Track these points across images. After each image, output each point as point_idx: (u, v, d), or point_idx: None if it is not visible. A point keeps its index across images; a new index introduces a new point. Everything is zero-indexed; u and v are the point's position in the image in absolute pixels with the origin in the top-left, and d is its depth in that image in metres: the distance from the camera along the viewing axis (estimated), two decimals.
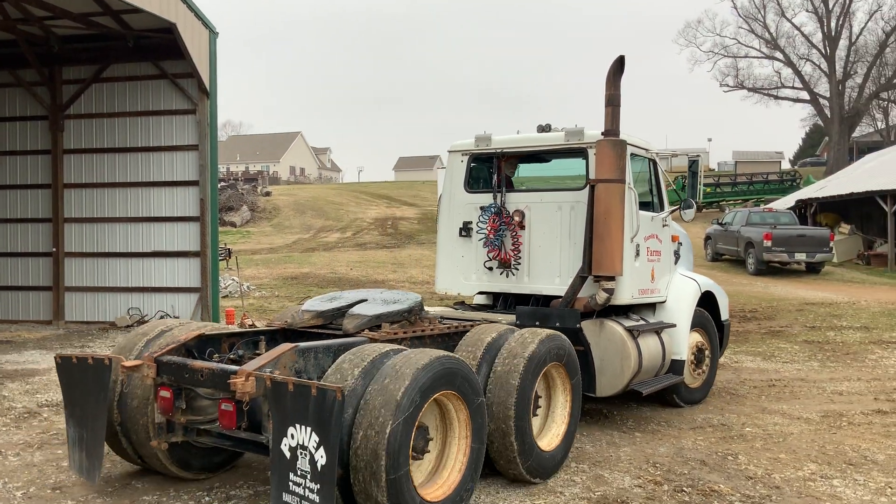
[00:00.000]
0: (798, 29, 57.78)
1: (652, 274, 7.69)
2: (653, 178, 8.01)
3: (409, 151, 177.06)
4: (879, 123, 65.85)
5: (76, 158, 14.67)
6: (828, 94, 56.98)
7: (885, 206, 26.91)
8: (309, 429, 4.06)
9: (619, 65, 7.03)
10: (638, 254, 7.36)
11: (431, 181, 77.62)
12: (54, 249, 14.60)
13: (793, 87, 59.18)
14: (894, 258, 26.93)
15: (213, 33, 13.61)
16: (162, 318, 13.88)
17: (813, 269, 24.23)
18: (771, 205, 33.67)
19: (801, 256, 23.45)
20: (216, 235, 14.23)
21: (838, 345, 12.11)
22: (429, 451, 4.78)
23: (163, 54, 13.84)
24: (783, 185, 42.59)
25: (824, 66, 57.04)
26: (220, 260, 15.93)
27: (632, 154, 7.31)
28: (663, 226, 8.00)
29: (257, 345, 5.66)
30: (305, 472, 4.07)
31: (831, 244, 24.47)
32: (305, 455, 4.07)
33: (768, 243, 23.01)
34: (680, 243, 8.59)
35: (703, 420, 7.57)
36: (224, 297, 17.06)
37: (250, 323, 13.18)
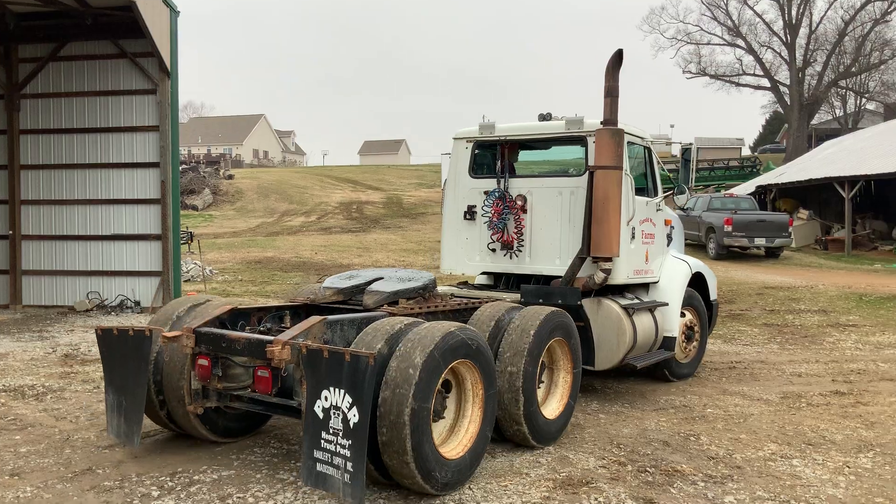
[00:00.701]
0: (760, 17, 58.48)
1: (646, 256, 8.09)
2: (648, 165, 8.35)
3: (375, 135, 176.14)
4: (838, 111, 67.08)
5: (33, 139, 14.32)
6: (788, 82, 57.83)
7: (842, 192, 27.44)
8: (342, 391, 4.47)
9: (617, 58, 7.36)
10: (633, 236, 7.73)
11: (397, 165, 77.33)
12: (10, 232, 14.26)
13: (754, 75, 59.95)
14: (851, 243, 27.51)
15: (173, 11, 13.33)
16: (122, 302, 13.66)
17: (772, 254, 24.65)
18: (732, 190, 34.14)
19: (760, 241, 23.83)
20: (178, 218, 14.02)
21: (797, 328, 12.35)
22: (445, 417, 5.24)
23: (122, 33, 13.54)
24: (743, 172, 43.17)
25: (785, 53, 57.84)
26: (182, 244, 15.70)
27: (628, 142, 7.57)
28: (657, 210, 8.37)
29: (282, 319, 6.19)
30: (337, 430, 4.48)
31: (790, 229, 24.90)
32: (338, 415, 4.49)
33: (729, 228, 23.35)
34: (672, 227, 8.98)
35: (665, 402, 7.67)
36: (186, 281, 16.84)
37: None
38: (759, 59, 58.65)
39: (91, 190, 14.09)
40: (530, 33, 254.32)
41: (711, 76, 60.37)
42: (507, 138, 8.09)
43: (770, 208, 31.48)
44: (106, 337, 5.73)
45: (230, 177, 49.54)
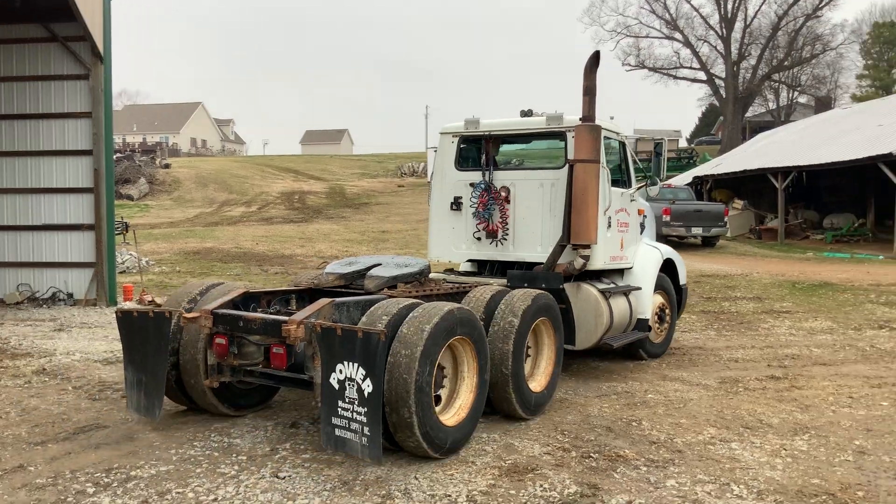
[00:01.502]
0: (697, 10, 59.66)
1: (621, 243, 8.64)
2: (622, 158, 8.88)
3: (317, 125, 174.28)
4: (771, 104, 68.95)
5: None
6: (723, 75, 59.13)
7: (775, 183, 28.22)
8: (356, 364, 4.93)
9: (594, 60, 7.88)
10: (610, 225, 8.25)
11: (339, 155, 76.65)
12: None
13: (691, 68, 61.15)
14: (784, 232, 28.33)
15: None
16: (54, 295, 13.21)
17: (709, 243, 25.23)
18: (669, 181, 34.80)
19: (697, 231, 24.37)
20: (112, 208, 13.59)
21: (733, 315, 12.65)
22: (444, 386, 5.75)
23: (53, 16, 13.02)
24: (681, 163, 44.06)
25: (721, 47, 59.13)
26: (117, 234, 15.27)
27: (605, 137, 8.03)
28: (631, 200, 8.92)
29: (289, 302, 6.77)
30: (353, 399, 4.96)
31: (726, 219, 25.51)
32: (353, 385, 4.96)
33: (667, 218, 23.79)
34: (645, 216, 9.54)
35: (608, 388, 7.76)
36: (121, 272, 16.39)
37: (149, 299, 12.81)
38: (695, 53, 59.87)
39: (20, 178, 13.55)
40: (472, 24, 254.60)
41: (650, 69, 61.37)
42: (491, 133, 8.49)
43: (706, 198, 32.20)
44: (125, 318, 6.09)
45: (167, 166, 48.43)
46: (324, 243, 24.56)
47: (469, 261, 8.81)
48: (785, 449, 5.91)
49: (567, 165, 7.81)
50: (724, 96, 59.14)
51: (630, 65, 61.53)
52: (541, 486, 5.04)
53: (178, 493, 4.85)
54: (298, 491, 4.88)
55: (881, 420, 6.71)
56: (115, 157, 44.29)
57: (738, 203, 32.26)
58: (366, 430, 4.91)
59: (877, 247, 25.16)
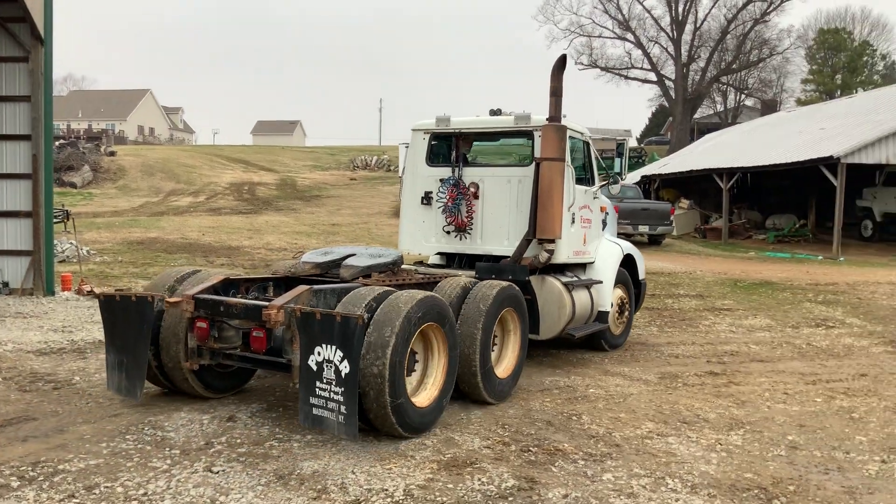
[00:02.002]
0: (648, 12, 60.41)
1: (584, 238, 8.99)
2: (586, 157, 9.18)
3: (269, 115, 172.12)
4: (719, 106, 70.27)
5: None
6: (673, 77, 60.05)
7: (720, 183, 28.77)
8: (334, 347, 5.22)
9: (561, 62, 8.26)
10: (573, 221, 8.59)
11: (291, 146, 75.73)
12: None
13: (642, 68, 61.92)
14: (728, 232, 28.91)
15: None
16: None
17: (655, 241, 25.61)
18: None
19: (644, 229, 24.72)
20: (51, 195, 13.18)
21: (675, 311, 12.85)
22: (416, 370, 6.04)
23: None
24: (630, 162, 44.57)
25: (671, 49, 60.02)
26: (57, 222, 14.81)
27: (570, 137, 8.34)
28: (594, 198, 9.28)
29: (266, 289, 7.02)
30: (330, 379, 5.25)
31: (672, 218, 25.93)
32: (331, 367, 5.25)
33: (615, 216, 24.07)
34: (607, 213, 9.96)
35: (550, 382, 7.81)
36: (61, 261, 15.94)
37: (89, 289, 12.48)
38: (646, 54, 60.65)
39: None
40: (428, 19, 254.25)
41: (602, 68, 61.95)
42: (461, 131, 8.79)
43: (654, 197, 32.69)
44: (107, 302, 6.31)
45: (112, 153, 47.28)
46: (273, 235, 24.25)
47: (438, 254, 9.10)
48: (720, 443, 6.01)
49: (534, 163, 8.14)
50: (673, 97, 60.06)
51: (583, 64, 62.04)
52: (479, 479, 5.04)
53: (107, 487, 4.72)
54: (232, 485, 4.79)
55: (814, 416, 6.87)
56: (58, 143, 43.25)
57: (685, 202, 32.81)
58: (342, 409, 5.20)
59: (817, 247, 25.85)
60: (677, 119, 58.99)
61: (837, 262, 21.80)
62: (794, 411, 7.00)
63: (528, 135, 8.51)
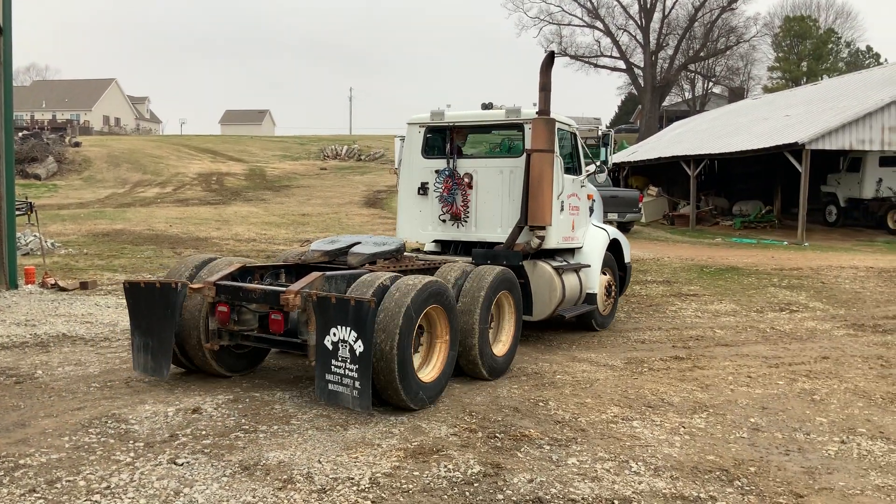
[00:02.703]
0: (617, 0, 60.66)
1: (572, 225, 9.46)
2: (573, 148, 9.63)
3: (237, 105, 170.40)
4: (687, 94, 70.85)
5: None
6: (642, 65, 60.41)
7: (688, 170, 29.03)
8: (349, 328, 5.66)
9: (549, 59, 8.72)
10: (562, 209, 9.05)
11: (260, 136, 75.05)
12: None
13: (611, 57, 62.25)
14: (696, 218, 29.21)
15: None
16: None
17: (623, 228, 25.72)
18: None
19: (613, 216, 24.82)
20: (12, 187, 12.95)
21: (643, 297, 12.97)
22: (421, 349, 6.51)
23: None
24: (599, 150, 44.78)
25: (640, 37, 60.37)
26: (20, 215, 14.55)
27: (558, 129, 8.74)
28: (581, 186, 9.75)
29: (279, 276, 7.49)
30: (345, 358, 5.70)
31: (640, 205, 26.12)
32: (346, 346, 5.69)
33: None
34: (593, 200, 10.42)
35: (518, 369, 7.85)
36: (25, 254, 15.71)
37: (52, 282, 12.30)
38: (615, 42, 60.97)
39: None
40: (397, 7, 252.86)
41: (572, 56, 62.15)
42: (455, 124, 9.23)
43: (623, 185, 32.93)
44: (133, 289, 6.73)
45: (77, 144, 46.56)
46: (241, 226, 24.06)
47: (434, 241, 9.54)
48: (684, 427, 6.09)
49: (525, 154, 8.57)
50: (642, 85, 60.45)
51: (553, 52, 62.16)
52: (445, 466, 5.06)
53: (69, 481, 4.67)
54: (196, 477, 4.76)
55: (776, 398, 6.99)
56: (21, 134, 42.41)
57: (653, 190, 33.07)
58: (357, 384, 5.66)
59: (782, 233, 26.21)
60: (646, 107, 59.40)
61: (802, 247, 22.14)
62: (756, 394, 7.11)
63: (518, 127, 8.92)
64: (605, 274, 10.04)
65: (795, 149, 23.29)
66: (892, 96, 23.62)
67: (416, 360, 6.35)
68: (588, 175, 9.87)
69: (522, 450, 5.43)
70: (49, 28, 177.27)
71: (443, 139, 9.39)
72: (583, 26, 62.02)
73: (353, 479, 4.81)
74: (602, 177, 10.11)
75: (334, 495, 4.57)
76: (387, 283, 6.23)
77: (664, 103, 64.72)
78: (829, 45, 70.80)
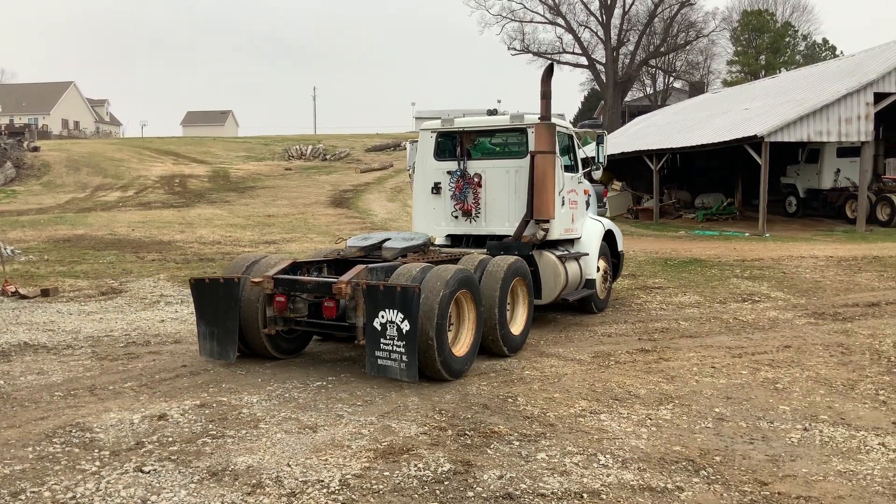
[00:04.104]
0: None
1: (572, 218, 10.45)
2: (571, 149, 10.61)
3: (199, 105, 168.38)
4: (648, 89, 71.54)
5: None
6: (604, 60, 60.86)
7: (651, 165, 29.32)
8: (396, 310, 6.57)
9: (549, 70, 9.71)
10: (563, 203, 10.00)
11: (223, 137, 74.18)
12: None
13: (573, 53, 62.61)
14: (659, 212, 29.51)
15: None
16: None
17: None
18: None
19: None
20: None
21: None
22: (451, 328, 7.29)
23: None
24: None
25: (601, 33, 60.79)
26: None
27: (558, 132, 9.68)
28: (579, 182, 10.74)
29: (321, 269, 8.44)
30: (393, 336, 6.61)
31: (605, 200, 26.32)
32: (393, 326, 6.60)
33: None
34: (590, 195, 11.41)
35: (486, 366, 7.87)
36: None
37: (13, 290, 12.08)
38: (577, 38, 61.33)
39: None
40: (360, 5, 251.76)
41: (534, 53, 62.48)
42: (464, 129, 10.14)
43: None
44: (199, 285, 7.72)
45: (36, 149, 45.69)
46: (206, 229, 23.81)
47: (448, 236, 10.37)
48: (650, 418, 6.16)
49: (529, 156, 9.51)
50: (604, 81, 60.90)
51: (515, 49, 62.45)
52: (415, 465, 5.07)
53: (34, 492, 4.59)
54: (164, 484, 4.72)
55: (740, 388, 7.10)
56: None
57: (617, 184, 33.36)
58: (404, 357, 6.56)
59: (744, 224, 26.60)
60: (609, 102, 59.86)
61: (763, 238, 22.49)
62: (721, 384, 7.22)
63: (522, 132, 9.83)
64: (601, 261, 10.96)
65: (755, 141, 23.64)
66: (848, 88, 24.07)
67: (450, 336, 7.24)
68: (585, 172, 10.90)
69: (492, 446, 5.46)
70: (3, 31, 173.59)
71: (453, 143, 10.26)
72: (545, 23, 62.38)
73: (322, 481, 4.79)
74: (598, 173, 11.14)
75: (304, 498, 4.55)
76: (423, 272, 7.19)
77: (626, 99, 65.27)
78: (787, 39, 71.97)
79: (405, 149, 55.92)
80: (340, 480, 4.81)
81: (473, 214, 10.05)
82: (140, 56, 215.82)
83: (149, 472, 4.90)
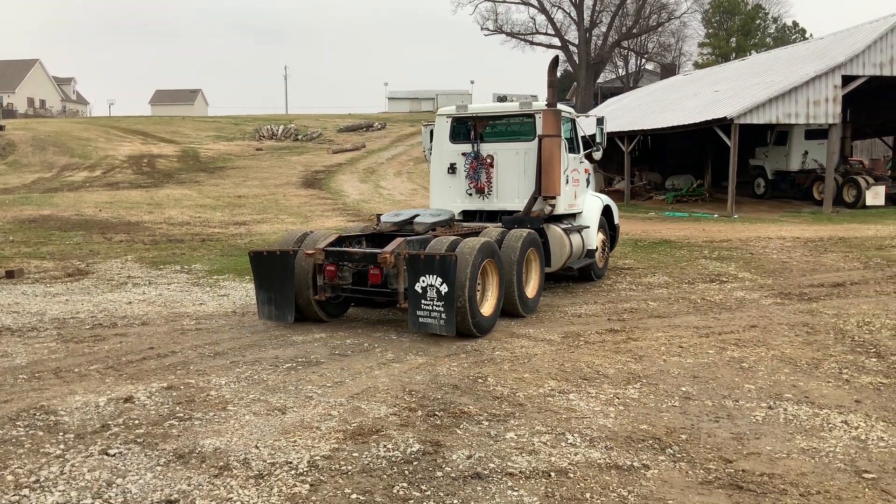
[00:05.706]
0: None
1: (574, 194, 11.67)
2: (574, 132, 11.69)
3: (168, 84, 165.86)
4: (621, 70, 71.69)
5: None
6: (576, 42, 60.85)
7: (622, 146, 29.43)
8: (435, 275, 7.65)
9: (555, 61, 10.78)
10: (567, 181, 11.16)
11: (193, 116, 73.18)
12: None
13: (546, 34, 62.55)
14: (630, 194, 29.67)
15: None
16: None
17: None
18: None
19: None
20: None
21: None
22: (479, 290, 8.34)
23: None
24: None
25: (574, 14, 60.74)
26: None
27: (563, 117, 10.70)
28: (580, 163, 11.92)
29: (361, 242, 9.39)
30: (433, 297, 7.70)
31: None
32: (433, 289, 7.68)
33: None
34: (589, 174, 12.75)
35: (457, 347, 7.88)
36: None
37: None
38: (550, 19, 61.26)
39: None
40: None
41: (507, 34, 62.34)
42: (477, 115, 11.17)
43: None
44: (257, 257, 8.62)
45: (1, 128, 44.74)
46: (175, 209, 23.53)
47: (462, 212, 11.34)
48: (618, 398, 6.22)
49: (537, 139, 10.53)
50: (577, 62, 60.92)
51: (488, 29, 62.27)
52: (384, 446, 5.07)
53: None
54: (129, 467, 4.67)
55: (706, 367, 7.18)
56: None
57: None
58: (443, 315, 7.69)
59: (713, 206, 26.85)
60: (581, 84, 59.93)
61: (732, 219, 22.73)
62: (688, 363, 7.30)
63: (531, 117, 10.82)
64: (600, 233, 12.14)
65: (724, 123, 23.82)
66: (817, 70, 24.30)
67: (478, 298, 8.28)
68: (586, 153, 12.05)
69: (461, 426, 5.47)
70: None
71: (467, 127, 11.25)
72: (518, 3, 62.17)
73: (291, 463, 4.78)
74: (598, 154, 12.15)
75: (272, 480, 4.54)
76: (455, 243, 8.26)
77: (599, 80, 65.39)
78: (757, 21, 72.44)
79: (378, 129, 55.38)
80: (309, 462, 4.79)
81: (486, 192, 11.10)
82: (107, 34, 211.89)
83: (114, 455, 4.85)
